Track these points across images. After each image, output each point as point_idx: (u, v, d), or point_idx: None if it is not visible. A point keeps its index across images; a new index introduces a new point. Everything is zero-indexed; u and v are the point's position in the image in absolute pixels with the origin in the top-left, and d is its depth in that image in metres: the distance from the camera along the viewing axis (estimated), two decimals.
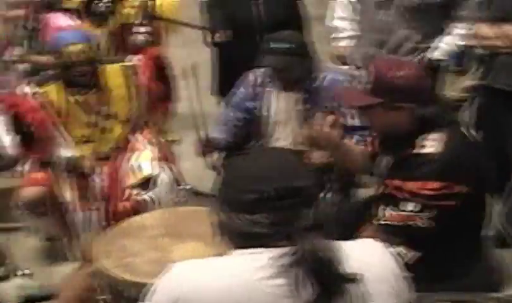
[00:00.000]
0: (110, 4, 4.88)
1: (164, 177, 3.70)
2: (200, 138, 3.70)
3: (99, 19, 4.87)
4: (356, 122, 3.41)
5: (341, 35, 4.39)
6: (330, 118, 2.78)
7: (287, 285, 1.46)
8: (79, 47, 3.65)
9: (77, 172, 3.77)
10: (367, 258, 1.57)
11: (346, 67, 4.10)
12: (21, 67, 4.68)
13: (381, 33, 3.82)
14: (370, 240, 1.69)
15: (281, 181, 1.51)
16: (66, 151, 3.78)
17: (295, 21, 4.33)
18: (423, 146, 2.44)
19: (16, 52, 4.53)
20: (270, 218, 1.49)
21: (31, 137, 3.69)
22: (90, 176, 3.78)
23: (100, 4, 4.88)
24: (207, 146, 3.69)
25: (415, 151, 2.44)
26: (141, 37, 4.56)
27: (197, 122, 3.71)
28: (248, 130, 3.83)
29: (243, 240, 1.53)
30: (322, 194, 3.31)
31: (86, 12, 4.80)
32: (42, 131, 3.69)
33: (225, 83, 4.23)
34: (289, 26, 3.86)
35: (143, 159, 3.82)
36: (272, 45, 3.44)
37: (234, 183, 1.58)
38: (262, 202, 1.49)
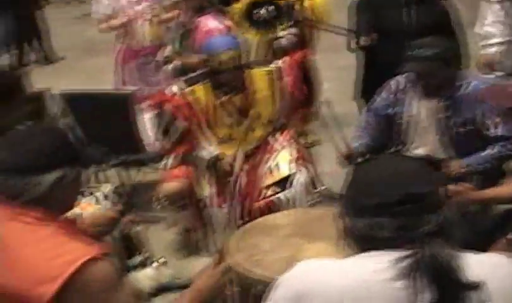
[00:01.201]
0: (275, 12, 4.99)
1: (300, 177, 3.73)
2: (340, 149, 3.69)
3: (263, 26, 4.99)
4: (499, 131, 3.29)
5: (490, 41, 4.26)
6: None
7: (407, 288, 1.45)
8: (230, 54, 3.73)
9: (217, 170, 3.86)
10: (489, 270, 1.52)
11: (492, 75, 3.96)
12: (171, 67, 4.85)
13: None
14: (499, 254, 1.64)
15: (405, 186, 1.51)
16: (209, 149, 3.89)
17: (446, 27, 4.22)
18: None
19: (167, 52, 4.69)
20: (393, 222, 1.49)
21: (176, 134, 3.82)
22: (229, 175, 3.86)
23: (262, 12, 5.00)
24: (348, 155, 3.67)
25: None
26: (285, 40, 4.61)
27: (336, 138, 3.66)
28: (388, 136, 3.78)
29: (366, 243, 1.54)
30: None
31: (247, 19, 4.93)
32: (187, 129, 3.83)
33: (368, 87, 4.19)
34: (439, 32, 3.77)
35: (281, 159, 3.87)
36: (416, 51, 3.38)
37: (358, 187, 1.60)
38: (385, 206, 1.50)
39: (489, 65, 4.21)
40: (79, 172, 2.06)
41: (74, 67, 9.37)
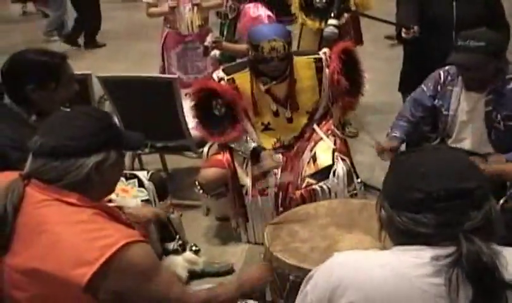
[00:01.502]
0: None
1: (340, 168, 3.70)
2: (377, 143, 3.67)
3: (323, 14, 4.98)
4: None
5: None
6: None
7: (445, 285, 1.43)
8: (280, 44, 3.70)
9: (257, 160, 3.86)
10: None
11: None
12: (217, 53, 4.86)
13: None
14: None
15: (450, 181, 1.48)
16: (251, 137, 3.90)
17: (496, 19, 4.14)
18: None
19: (213, 38, 4.70)
20: (436, 218, 1.47)
21: (219, 120, 3.83)
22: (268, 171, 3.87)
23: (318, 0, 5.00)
24: (385, 147, 3.65)
25: None
26: (328, 31, 4.58)
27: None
28: (432, 127, 3.75)
29: (406, 237, 1.52)
30: (501, 201, 3.17)
31: (307, 7, 4.92)
32: (231, 115, 3.82)
33: (413, 79, 4.14)
34: (489, 24, 3.70)
35: (322, 150, 3.85)
36: (465, 42, 3.32)
37: (400, 180, 1.57)
38: (428, 202, 1.48)
39: None
40: (120, 155, 2.09)
41: (120, 51, 9.47)
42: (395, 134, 3.73)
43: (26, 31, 11.25)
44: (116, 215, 2.05)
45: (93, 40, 9.90)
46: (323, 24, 4.90)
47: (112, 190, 2.23)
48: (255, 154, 3.85)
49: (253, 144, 3.87)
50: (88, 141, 1.94)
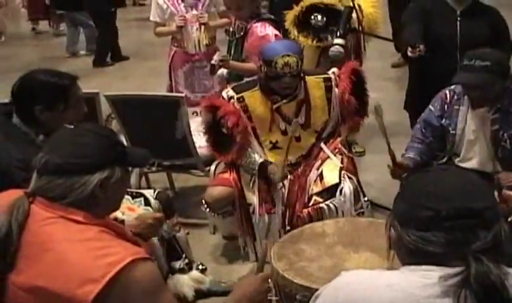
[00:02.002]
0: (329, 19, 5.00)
1: (347, 187, 3.70)
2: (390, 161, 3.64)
3: (319, 32, 5.00)
4: None
5: None
6: None
7: None
8: (293, 59, 3.68)
9: (265, 177, 3.84)
10: None
11: None
12: (225, 71, 4.88)
13: None
14: None
15: (460, 201, 1.48)
16: (259, 156, 3.88)
17: (498, 41, 4.13)
18: None
19: (220, 56, 4.71)
20: (445, 237, 1.47)
21: (227, 139, 3.81)
22: (278, 184, 3.85)
23: (319, 18, 5.01)
24: (397, 169, 3.63)
25: None
26: (335, 50, 4.59)
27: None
28: (440, 147, 3.75)
29: (415, 256, 1.51)
30: (510, 218, 3.14)
31: (303, 24, 4.94)
32: (239, 134, 3.80)
33: (418, 98, 4.14)
34: (493, 44, 3.70)
35: (328, 168, 3.84)
36: (472, 61, 3.33)
37: (410, 199, 1.56)
38: (438, 220, 1.47)
39: None
40: (126, 172, 2.09)
41: (130, 70, 9.52)
42: (409, 155, 3.72)
43: (38, 49, 11.38)
44: (122, 232, 2.05)
45: (104, 59, 10.05)
46: (315, 42, 4.94)
47: (117, 208, 2.23)
48: (263, 169, 3.83)
49: (260, 159, 3.85)
50: (93, 158, 1.95)
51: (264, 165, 3.82)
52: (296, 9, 5.09)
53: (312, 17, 5.05)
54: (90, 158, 1.95)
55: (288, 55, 3.68)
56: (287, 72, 3.68)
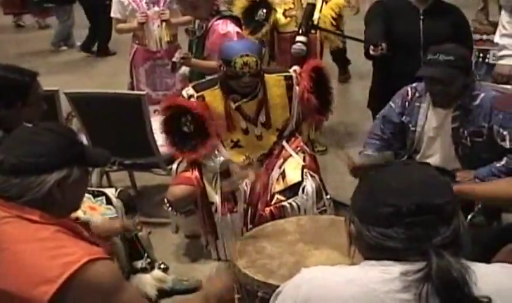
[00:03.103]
0: (265, 14, 5.02)
1: (309, 185, 3.71)
2: (350, 158, 3.66)
3: (254, 27, 5.01)
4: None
5: (503, 52, 4.24)
6: None
7: (415, 300, 1.42)
8: (252, 59, 3.67)
9: (227, 175, 3.84)
10: (502, 282, 1.50)
11: (506, 86, 3.94)
12: (186, 70, 4.85)
13: None
14: (510, 265, 1.59)
15: (420, 196, 1.47)
16: (220, 155, 3.87)
17: (459, 40, 4.18)
18: None
19: (182, 54, 4.68)
20: (406, 233, 1.46)
21: (188, 137, 3.79)
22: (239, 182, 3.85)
23: (259, 13, 5.02)
24: (357, 167, 3.65)
25: None
26: (297, 47, 4.60)
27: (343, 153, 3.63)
28: (401, 144, 3.78)
29: (375, 252, 1.51)
30: (470, 215, 3.19)
31: (245, 20, 4.93)
32: (200, 133, 3.78)
33: (383, 96, 4.16)
34: (454, 41, 3.73)
35: (291, 166, 3.85)
36: (433, 56, 3.36)
37: (370, 194, 1.56)
38: (398, 216, 1.47)
39: (502, 77, 4.19)
40: (85, 172, 2.06)
41: (90, 67, 9.44)
42: (367, 153, 3.75)
43: (19, 42, 11.25)
44: (79, 232, 2.02)
45: (105, 48, 10.14)
46: (249, 34, 4.95)
47: (77, 208, 2.21)
48: (225, 169, 3.83)
49: (222, 158, 3.84)
50: (50, 158, 1.92)
51: (226, 164, 3.82)
52: (240, 4, 5.09)
53: (258, 12, 5.06)
54: (47, 157, 1.92)
55: (247, 55, 3.67)
56: (246, 71, 3.67)
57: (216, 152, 3.86)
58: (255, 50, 3.77)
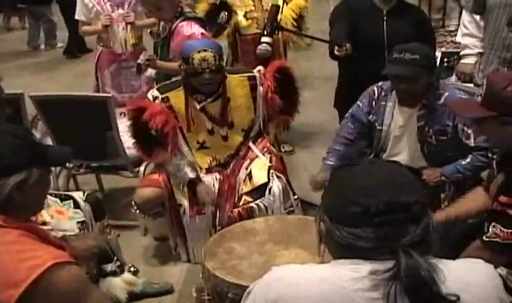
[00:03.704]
0: (226, 17, 5.04)
1: (276, 186, 3.72)
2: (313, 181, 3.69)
3: (216, 29, 5.02)
4: (479, 141, 3.32)
5: (465, 52, 4.30)
6: None
7: (383, 298, 1.43)
8: (210, 54, 3.67)
9: (195, 189, 3.83)
10: (471, 278, 1.52)
11: (469, 84, 4.00)
12: (153, 72, 4.84)
13: (507, 51, 3.68)
14: (478, 261, 1.61)
15: (390, 195, 1.48)
16: (186, 156, 3.86)
17: (423, 40, 4.22)
18: None
19: (147, 56, 4.66)
20: (375, 232, 1.46)
21: (154, 140, 3.77)
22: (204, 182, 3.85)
23: (221, 15, 5.03)
24: (319, 181, 3.68)
25: None
26: (262, 48, 4.60)
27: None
28: (366, 144, 3.82)
29: (345, 251, 1.51)
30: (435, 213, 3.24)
31: (207, 22, 4.94)
32: (165, 135, 3.76)
33: (346, 96, 4.19)
34: (417, 41, 3.77)
35: (257, 167, 3.86)
36: (398, 55, 3.39)
37: (340, 194, 1.55)
38: (368, 216, 1.47)
39: (464, 76, 4.25)
40: (45, 173, 2.04)
41: (56, 70, 9.36)
42: (330, 162, 3.77)
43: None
44: (45, 236, 2.01)
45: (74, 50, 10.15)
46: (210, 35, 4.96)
47: (40, 209, 2.19)
48: (192, 185, 3.82)
49: (191, 175, 3.82)
50: (7, 161, 1.90)
51: (193, 184, 3.82)
52: (202, 6, 5.12)
53: (221, 15, 5.07)
54: (4, 160, 1.90)
55: (205, 50, 3.67)
56: (205, 67, 3.66)
57: (183, 153, 3.85)
58: (213, 46, 3.78)
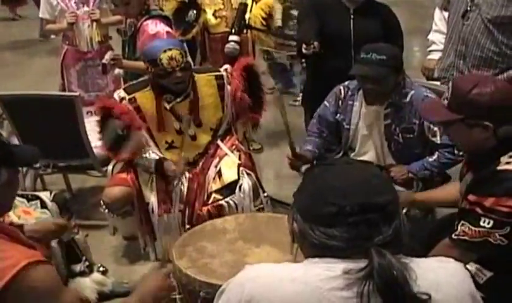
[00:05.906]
0: (195, 15, 5.03)
1: (245, 183, 3.72)
2: (290, 153, 3.68)
3: (185, 28, 5.01)
4: (445, 138, 3.35)
5: (431, 48, 4.35)
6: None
7: (356, 297, 1.45)
8: (176, 52, 3.66)
9: (162, 175, 3.82)
10: (442, 277, 1.54)
11: (435, 82, 4.04)
12: (121, 71, 4.80)
13: (461, 44, 3.72)
14: (448, 260, 1.63)
15: (363, 196, 1.49)
16: (154, 155, 3.84)
17: (390, 40, 4.25)
18: (508, 163, 2.36)
19: (112, 55, 4.63)
20: (349, 232, 1.48)
21: (121, 139, 3.74)
22: (174, 180, 3.84)
23: (190, 13, 5.02)
24: (296, 161, 3.69)
25: (499, 168, 2.37)
26: (230, 47, 4.61)
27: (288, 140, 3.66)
28: (335, 142, 3.84)
29: (319, 250, 1.52)
30: (404, 210, 3.27)
31: (176, 21, 4.92)
32: (133, 134, 3.74)
33: (315, 94, 4.21)
34: (386, 41, 3.81)
35: (226, 165, 3.86)
36: (366, 55, 3.41)
37: (313, 193, 1.56)
38: (342, 216, 1.48)
39: (429, 72, 4.30)
40: (13, 173, 2.02)
41: (21, 67, 9.24)
42: (307, 148, 3.78)
43: None
44: (16, 236, 1.99)
45: None
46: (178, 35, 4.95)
47: (8, 209, 2.17)
48: (160, 166, 3.81)
49: (155, 156, 3.81)
50: None
51: (160, 162, 3.80)
52: (170, 5, 5.08)
53: (189, 13, 5.07)
54: None
55: (170, 49, 3.66)
56: (174, 66, 3.65)
57: (151, 152, 3.83)
58: (177, 44, 3.78)
